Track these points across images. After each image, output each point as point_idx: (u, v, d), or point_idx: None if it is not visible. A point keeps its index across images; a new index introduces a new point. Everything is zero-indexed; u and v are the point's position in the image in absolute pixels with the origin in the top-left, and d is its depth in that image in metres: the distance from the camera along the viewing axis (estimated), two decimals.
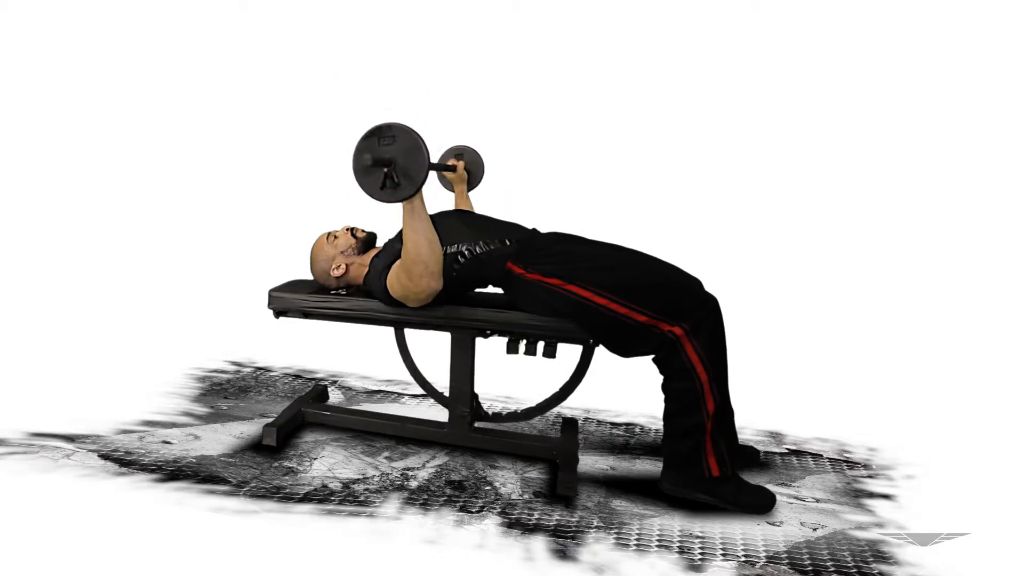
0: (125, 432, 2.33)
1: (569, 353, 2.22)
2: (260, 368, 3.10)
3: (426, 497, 1.96)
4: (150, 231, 4.25)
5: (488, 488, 2.03)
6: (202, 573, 1.58)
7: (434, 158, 2.35)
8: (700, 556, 1.70)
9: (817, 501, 2.02)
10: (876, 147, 3.80)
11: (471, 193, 2.63)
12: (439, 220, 2.19)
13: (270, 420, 2.36)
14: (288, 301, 2.27)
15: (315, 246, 2.27)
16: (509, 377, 2.72)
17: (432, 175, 2.62)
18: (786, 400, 2.74)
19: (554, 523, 1.84)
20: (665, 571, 1.63)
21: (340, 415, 2.42)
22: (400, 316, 2.15)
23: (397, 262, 2.00)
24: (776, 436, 2.51)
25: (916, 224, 3.74)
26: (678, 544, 1.75)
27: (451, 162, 2.58)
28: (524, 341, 2.10)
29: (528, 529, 1.80)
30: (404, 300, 2.03)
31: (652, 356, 1.94)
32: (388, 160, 1.78)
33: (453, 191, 2.63)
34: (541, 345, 2.10)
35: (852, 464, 2.28)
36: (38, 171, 4.30)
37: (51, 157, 4.31)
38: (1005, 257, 3.57)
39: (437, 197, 2.60)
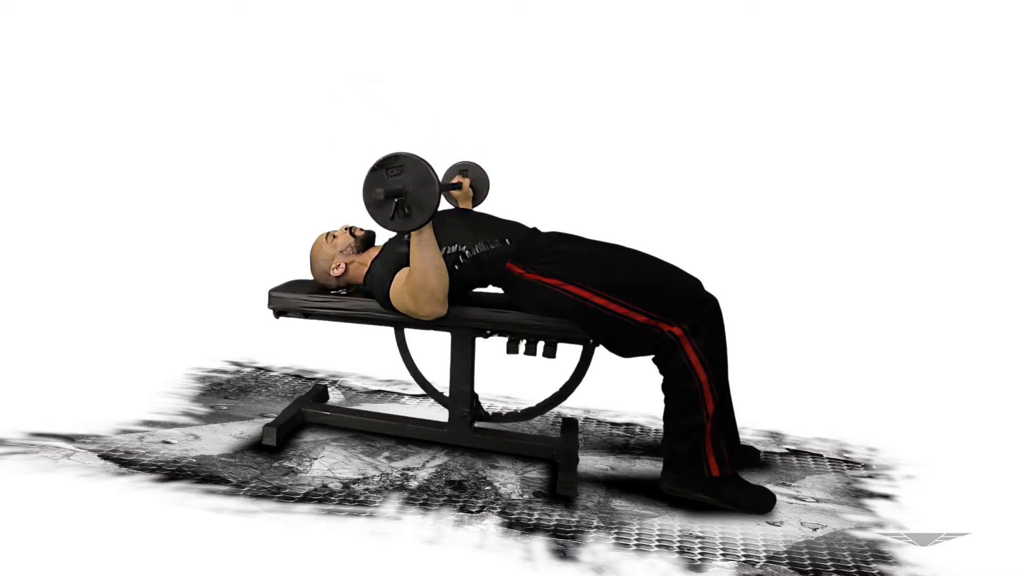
0: (125, 432, 2.33)
1: (569, 353, 2.22)
2: (260, 368, 3.10)
3: (426, 497, 1.96)
4: (150, 232, 4.25)
5: (488, 488, 2.03)
6: (202, 573, 1.58)
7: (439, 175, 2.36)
8: (700, 556, 1.70)
9: (817, 501, 2.02)
10: (876, 147, 3.80)
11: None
12: (439, 219, 2.19)
13: (270, 420, 2.36)
14: (288, 301, 2.27)
15: (314, 246, 2.27)
16: (509, 377, 2.72)
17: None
18: (786, 400, 2.74)
19: (554, 523, 1.84)
20: (665, 571, 1.63)
21: (340, 415, 2.42)
22: (400, 316, 2.14)
23: (402, 275, 2.00)
24: (776, 436, 2.51)
25: (916, 224, 3.74)
26: (678, 544, 1.75)
27: (456, 179, 2.54)
28: (524, 341, 2.10)
29: (528, 529, 1.80)
30: (407, 315, 2.06)
31: (652, 356, 1.94)
32: (399, 191, 1.79)
33: (458, 207, 2.58)
34: (541, 345, 2.10)
35: (852, 464, 2.29)
36: (38, 171, 4.30)
37: (51, 157, 4.31)
38: (1005, 257, 3.57)
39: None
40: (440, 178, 1.93)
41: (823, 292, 3.64)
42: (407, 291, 1.96)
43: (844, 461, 2.31)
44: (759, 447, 2.37)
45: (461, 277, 2.05)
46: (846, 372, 3.04)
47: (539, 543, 1.74)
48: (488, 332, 2.14)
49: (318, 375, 3.04)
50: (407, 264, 2.01)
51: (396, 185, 1.80)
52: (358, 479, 2.06)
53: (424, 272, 1.90)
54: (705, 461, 1.88)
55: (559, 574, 1.61)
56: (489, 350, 2.35)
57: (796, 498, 2.03)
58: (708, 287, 1.97)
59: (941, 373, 2.98)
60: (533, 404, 2.29)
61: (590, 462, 2.23)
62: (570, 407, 2.63)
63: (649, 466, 2.21)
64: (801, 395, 2.80)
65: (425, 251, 1.89)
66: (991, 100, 3.64)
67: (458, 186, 2.49)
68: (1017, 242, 3.58)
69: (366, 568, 1.62)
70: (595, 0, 4.03)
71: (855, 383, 2.94)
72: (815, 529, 1.85)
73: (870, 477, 2.19)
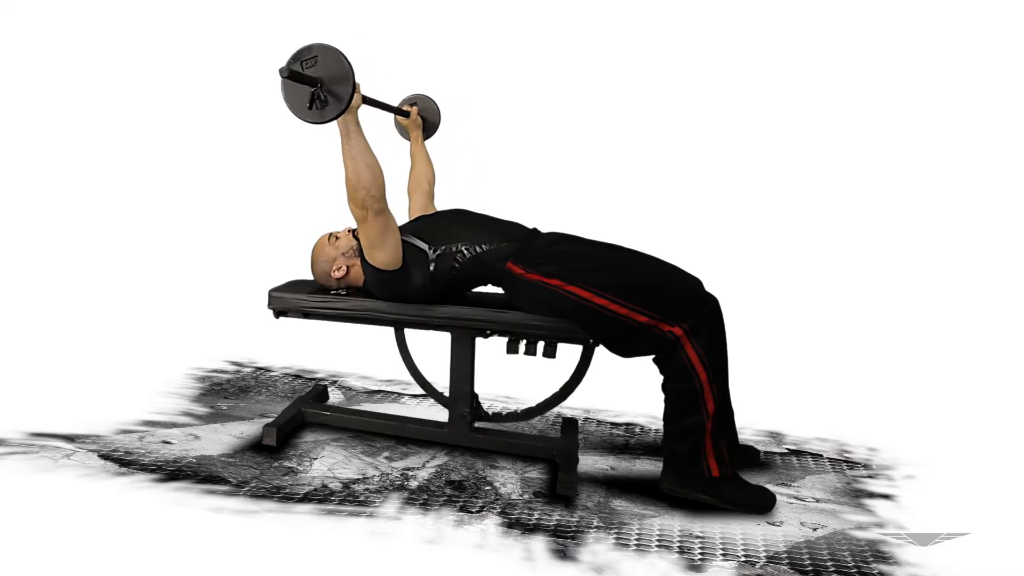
0: (125, 432, 2.33)
1: (569, 353, 2.22)
2: (260, 368, 3.10)
3: (426, 497, 1.96)
4: (150, 232, 4.25)
5: (488, 488, 2.03)
6: (202, 573, 1.58)
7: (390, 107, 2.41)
8: (700, 556, 1.70)
9: (817, 501, 2.02)
10: (876, 146, 3.80)
11: (445, 167, 2.62)
12: (439, 219, 2.19)
13: (270, 420, 2.36)
14: (288, 301, 2.27)
15: (316, 247, 2.27)
16: (509, 377, 2.72)
17: (388, 118, 2.65)
18: (786, 400, 2.74)
19: (554, 523, 1.84)
20: (665, 571, 1.63)
21: (340, 415, 2.42)
22: (400, 316, 2.15)
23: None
24: (776, 436, 2.51)
25: (916, 224, 3.74)
26: (678, 544, 1.75)
27: (405, 108, 2.60)
28: (524, 341, 2.10)
29: (528, 529, 1.80)
30: (373, 247, 1.97)
31: (652, 356, 1.94)
32: (314, 80, 1.77)
33: (409, 139, 2.64)
34: (541, 345, 2.10)
35: (852, 464, 2.29)
36: (38, 172, 4.30)
37: (51, 157, 4.31)
38: (1005, 257, 3.57)
39: (441, 191, 2.60)
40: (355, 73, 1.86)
41: (823, 292, 3.64)
42: (348, 201, 1.88)
43: (844, 461, 2.31)
44: (759, 447, 2.37)
45: (461, 276, 2.05)
46: (846, 372, 3.04)
47: (539, 543, 1.74)
48: (488, 332, 2.14)
49: (318, 375, 3.04)
50: None
51: (311, 74, 1.77)
52: (358, 479, 2.06)
53: (356, 170, 1.85)
54: (705, 461, 1.88)
55: (559, 574, 1.61)
56: (489, 350, 2.35)
57: (796, 498, 2.03)
58: (708, 287, 1.97)
59: (941, 373, 2.98)
60: (533, 404, 2.29)
61: (590, 462, 2.23)
62: (570, 407, 2.63)
63: (649, 466, 2.21)
64: (801, 395, 2.80)
65: (352, 147, 1.85)
66: (991, 100, 3.64)
67: (406, 113, 2.55)
68: (1017, 242, 3.58)
69: (366, 568, 1.62)
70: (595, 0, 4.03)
71: (855, 383, 2.94)
72: (815, 529, 1.85)
73: (870, 477, 2.19)
